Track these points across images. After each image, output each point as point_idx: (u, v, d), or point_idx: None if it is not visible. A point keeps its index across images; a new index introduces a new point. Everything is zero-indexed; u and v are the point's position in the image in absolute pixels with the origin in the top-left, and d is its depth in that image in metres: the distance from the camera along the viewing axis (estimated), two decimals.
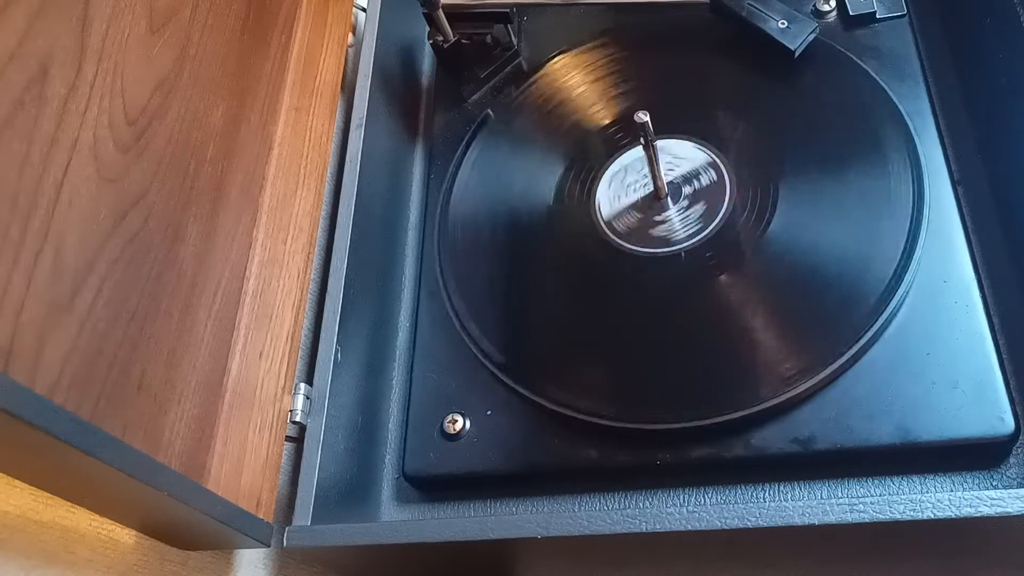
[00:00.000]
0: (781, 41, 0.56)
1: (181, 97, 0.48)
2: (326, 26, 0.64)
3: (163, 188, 0.45)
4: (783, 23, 0.56)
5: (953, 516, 0.37)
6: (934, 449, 0.44)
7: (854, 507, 0.38)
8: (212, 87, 0.51)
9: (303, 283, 0.53)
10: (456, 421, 0.51)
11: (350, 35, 0.66)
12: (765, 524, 0.39)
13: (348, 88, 0.65)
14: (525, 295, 0.55)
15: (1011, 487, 0.44)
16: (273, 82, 0.59)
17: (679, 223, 0.53)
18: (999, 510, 0.37)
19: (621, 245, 0.54)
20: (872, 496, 0.45)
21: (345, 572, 0.53)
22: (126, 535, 0.44)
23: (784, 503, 0.39)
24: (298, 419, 0.49)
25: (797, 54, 0.55)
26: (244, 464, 0.47)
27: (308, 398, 0.49)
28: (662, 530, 0.40)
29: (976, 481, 0.45)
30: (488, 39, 0.64)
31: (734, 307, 0.50)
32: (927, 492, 0.43)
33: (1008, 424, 0.43)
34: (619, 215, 0.55)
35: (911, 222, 0.48)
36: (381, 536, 0.44)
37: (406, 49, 0.68)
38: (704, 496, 0.48)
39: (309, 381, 0.50)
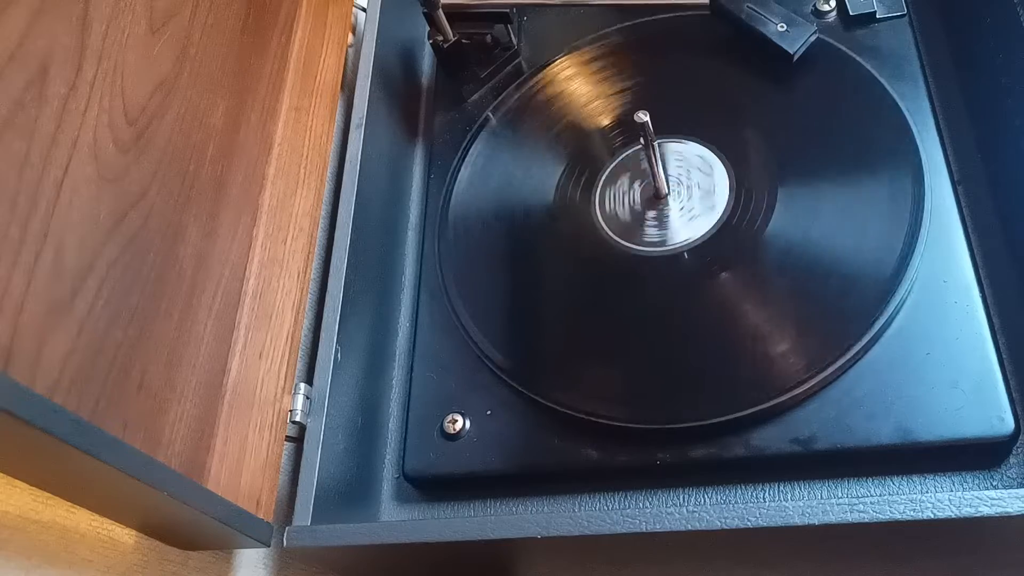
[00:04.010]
0: (780, 45, 0.56)
1: (181, 97, 0.48)
2: (326, 26, 0.64)
3: (163, 188, 0.45)
4: (782, 26, 0.56)
5: (953, 516, 0.37)
6: (934, 449, 0.44)
7: (854, 507, 0.38)
8: (212, 87, 0.51)
9: (303, 283, 0.53)
10: (456, 421, 0.51)
11: (350, 35, 0.66)
12: (765, 524, 0.39)
13: (348, 88, 0.65)
14: (525, 295, 0.55)
15: (1011, 487, 0.44)
16: (273, 82, 0.59)
17: (679, 223, 0.53)
18: (999, 510, 0.37)
19: (621, 245, 0.54)
20: (872, 496, 0.45)
21: (345, 572, 0.53)
22: (126, 535, 0.44)
23: (784, 503, 0.39)
24: (298, 419, 0.49)
25: (796, 58, 0.55)
26: (244, 464, 0.47)
27: (308, 398, 0.49)
28: (662, 530, 0.40)
29: (976, 481, 0.45)
30: (488, 39, 0.64)
31: (734, 307, 0.50)
32: (927, 492, 0.43)
33: (1008, 424, 0.43)
34: (619, 215, 0.55)
35: (911, 222, 0.48)
36: (381, 536, 0.44)
37: (406, 49, 0.68)
38: (704, 496, 0.48)
39: (309, 381, 0.50)
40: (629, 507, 0.48)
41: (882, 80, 0.54)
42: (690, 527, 0.40)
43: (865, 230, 0.49)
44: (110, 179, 0.41)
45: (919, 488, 0.45)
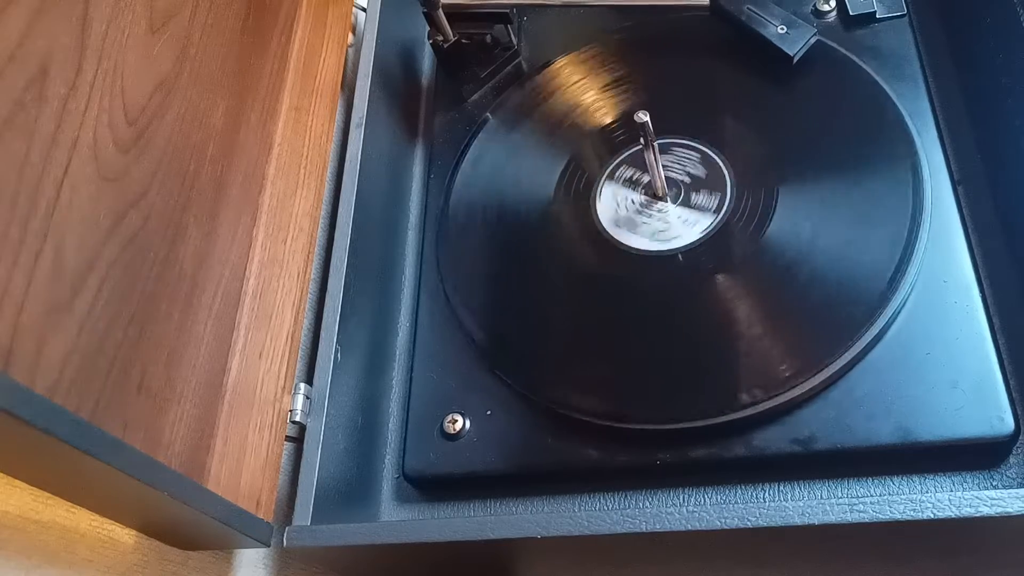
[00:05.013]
0: (780, 47, 0.56)
1: (181, 97, 0.48)
2: (326, 26, 0.64)
3: (163, 188, 0.45)
4: (782, 28, 0.56)
5: (953, 516, 0.37)
6: (934, 449, 0.44)
7: (854, 507, 0.38)
8: (212, 87, 0.51)
9: (303, 283, 0.53)
10: (456, 421, 0.51)
11: (350, 35, 0.66)
12: (765, 524, 0.39)
13: (348, 88, 0.65)
14: (525, 295, 0.55)
15: (1011, 487, 0.44)
16: (273, 82, 0.59)
17: (679, 223, 0.53)
18: (999, 510, 0.37)
19: (621, 245, 0.54)
20: (872, 496, 0.45)
21: (345, 572, 0.53)
22: (126, 535, 0.44)
23: (784, 503, 0.39)
24: (298, 419, 0.49)
25: (796, 60, 0.55)
26: (244, 464, 0.47)
27: (308, 398, 0.49)
28: (662, 530, 0.40)
29: (976, 481, 0.45)
30: (488, 39, 0.64)
31: (734, 307, 0.50)
32: (927, 492, 0.43)
33: (1008, 424, 0.43)
34: (619, 215, 0.55)
35: (911, 222, 0.48)
36: (381, 536, 0.44)
37: (406, 49, 0.68)
38: (704, 496, 0.48)
39: (309, 381, 0.50)
40: (629, 507, 0.48)
41: (882, 81, 0.54)
42: (690, 527, 0.40)
43: (865, 230, 0.49)
44: (110, 179, 0.41)
45: (919, 488, 0.45)
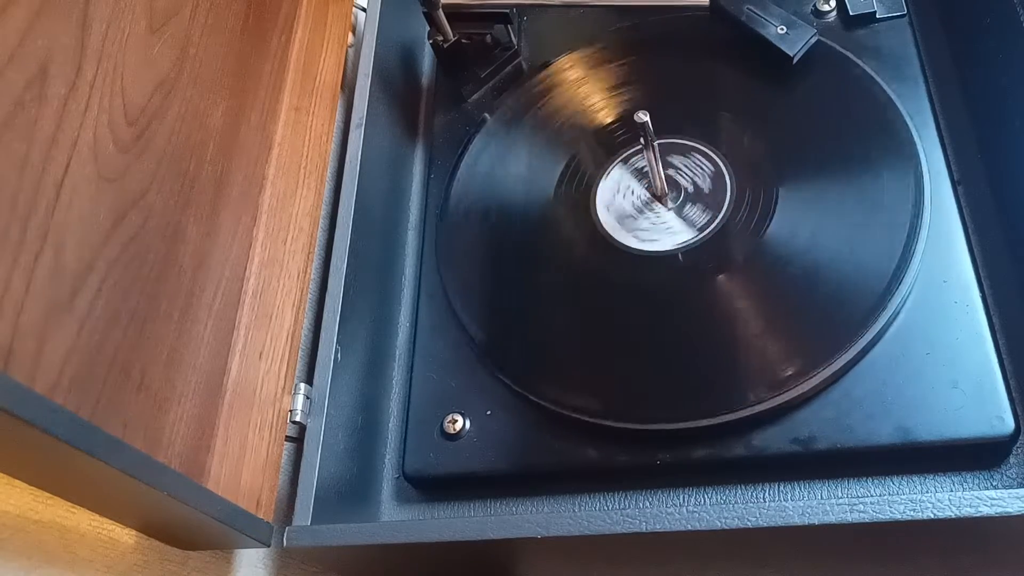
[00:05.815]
0: (780, 47, 0.56)
1: (181, 97, 0.48)
2: (326, 26, 0.64)
3: (163, 188, 0.45)
4: (782, 29, 0.56)
5: (953, 516, 0.37)
6: (934, 449, 0.44)
7: (854, 507, 0.38)
8: (212, 87, 0.51)
9: (303, 283, 0.53)
10: (456, 421, 0.51)
11: (350, 35, 0.66)
12: (765, 524, 0.39)
13: (348, 88, 0.65)
14: (525, 295, 0.55)
15: (1011, 487, 0.44)
16: (273, 82, 0.59)
17: (679, 223, 0.53)
18: (999, 510, 0.37)
19: (621, 245, 0.54)
20: (872, 496, 0.45)
21: (345, 572, 0.53)
22: (126, 535, 0.44)
23: (784, 503, 0.39)
24: (298, 419, 0.49)
25: (796, 60, 0.55)
26: (244, 464, 0.47)
27: (308, 398, 0.49)
28: (662, 530, 0.40)
29: (976, 481, 0.45)
30: (488, 39, 0.64)
31: (734, 307, 0.50)
32: (927, 492, 0.43)
33: (1008, 424, 0.43)
34: (619, 215, 0.55)
35: (911, 222, 0.48)
36: (381, 536, 0.44)
37: (406, 49, 0.68)
38: (704, 496, 0.48)
39: (309, 381, 0.50)
40: (629, 507, 0.48)
41: (882, 81, 0.54)
42: (690, 527, 0.40)
43: (865, 230, 0.49)
44: (110, 179, 0.41)
45: (919, 488, 0.45)
